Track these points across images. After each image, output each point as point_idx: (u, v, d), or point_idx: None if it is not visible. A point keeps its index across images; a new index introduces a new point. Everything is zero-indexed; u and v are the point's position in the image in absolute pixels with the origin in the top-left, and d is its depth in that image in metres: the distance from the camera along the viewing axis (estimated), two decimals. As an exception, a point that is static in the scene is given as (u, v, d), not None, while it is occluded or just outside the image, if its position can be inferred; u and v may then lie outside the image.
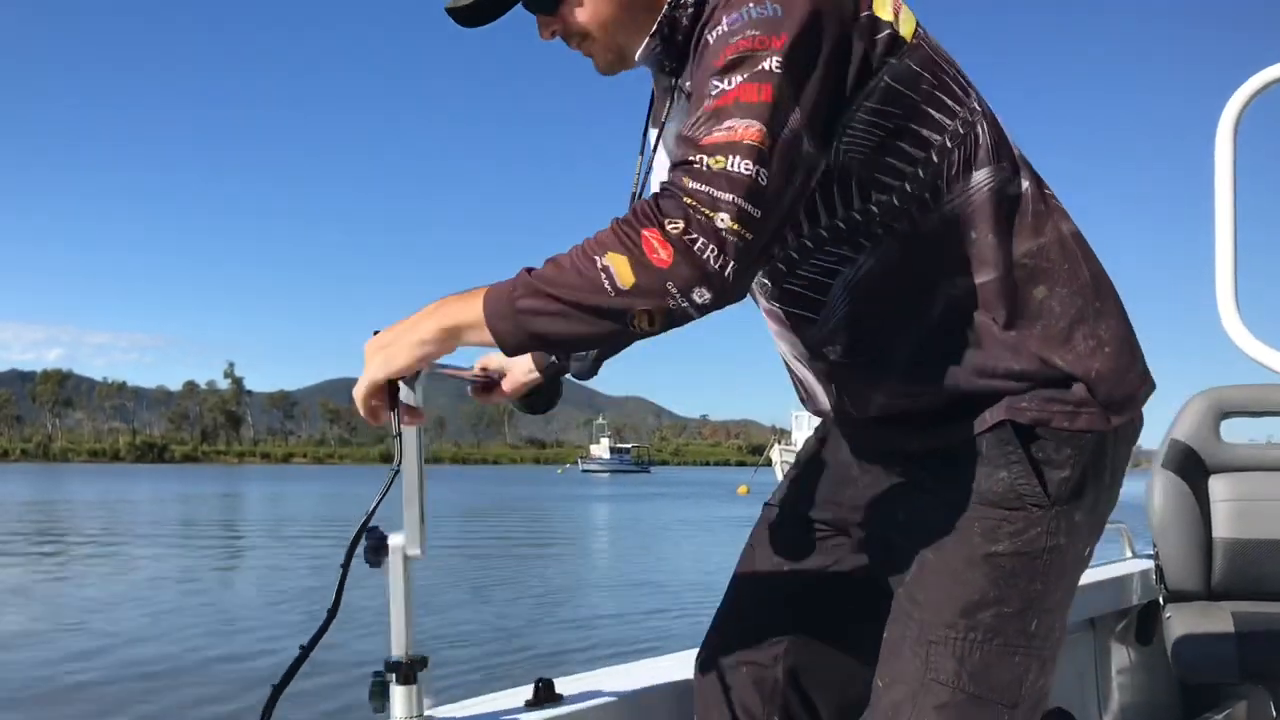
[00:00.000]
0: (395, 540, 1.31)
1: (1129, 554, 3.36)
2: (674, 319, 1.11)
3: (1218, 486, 3.11)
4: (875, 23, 1.18)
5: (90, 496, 40.85)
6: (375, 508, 1.23)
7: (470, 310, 1.16)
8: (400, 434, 1.25)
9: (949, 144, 1.21)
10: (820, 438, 1.53)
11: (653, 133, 1.40)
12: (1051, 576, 1.24)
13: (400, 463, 1.26)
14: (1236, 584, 3.04)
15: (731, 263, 1.07)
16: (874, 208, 1.21)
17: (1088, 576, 3.03)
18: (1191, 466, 3.11)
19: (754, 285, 1.32)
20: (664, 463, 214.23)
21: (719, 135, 1.09)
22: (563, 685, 1.68)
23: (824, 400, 1.38)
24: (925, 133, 1.20)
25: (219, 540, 20.99)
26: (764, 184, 1.08)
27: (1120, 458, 1.29)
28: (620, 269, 1.08)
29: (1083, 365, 1.23)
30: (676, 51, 1.28)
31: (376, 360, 1.20)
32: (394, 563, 1.31)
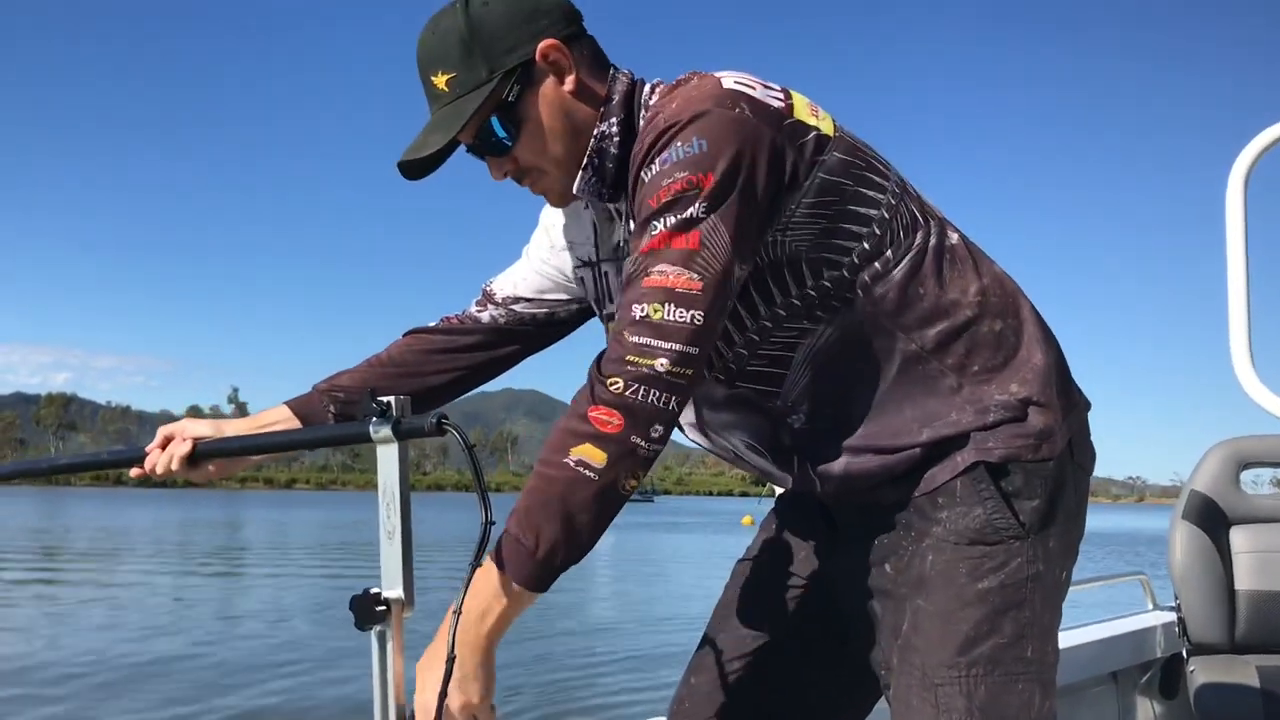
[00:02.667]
0: (391, 594, 1.24)
1: (1150, 606, 3.31)
2: (650, 463, 1.20)
3: (1239, 538, 3.07)
4: (799, 129, 1.25)
5: (93, 522, 40.71)
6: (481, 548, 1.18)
7: (496, 595, 1.21)
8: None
9: (885, 214, 1.29)
10: (795, 495, 1.54)
11: (603, 255, 1.44)
12: (1038, 602, 1.29)
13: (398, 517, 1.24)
14: (1261, 637, 3.00)
15: (674, 398, 1.19)
16: (826, 283, 1.28)
17: (1110, 629, 3.03)
18: (1212, 517, 3.08)
19: (708, 381, 1.36)
20: (667, 492, 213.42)
21: (655, 279, 1.19)
22: None
23: (786, 480, 1.42)
24: (863, 210, 1.28)
25: (220, 566, 20.89)
26: (699, 324, 1.19)
27: (1081, 482, 1.37)
28: (589, 454, 1.17)
29: (1039, 387, 1.30)
30: (611, 179, 1.34)
31: (460, 699, 1.23)
32: (395, 619, 1.24)
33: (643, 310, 1.19)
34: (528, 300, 1.58)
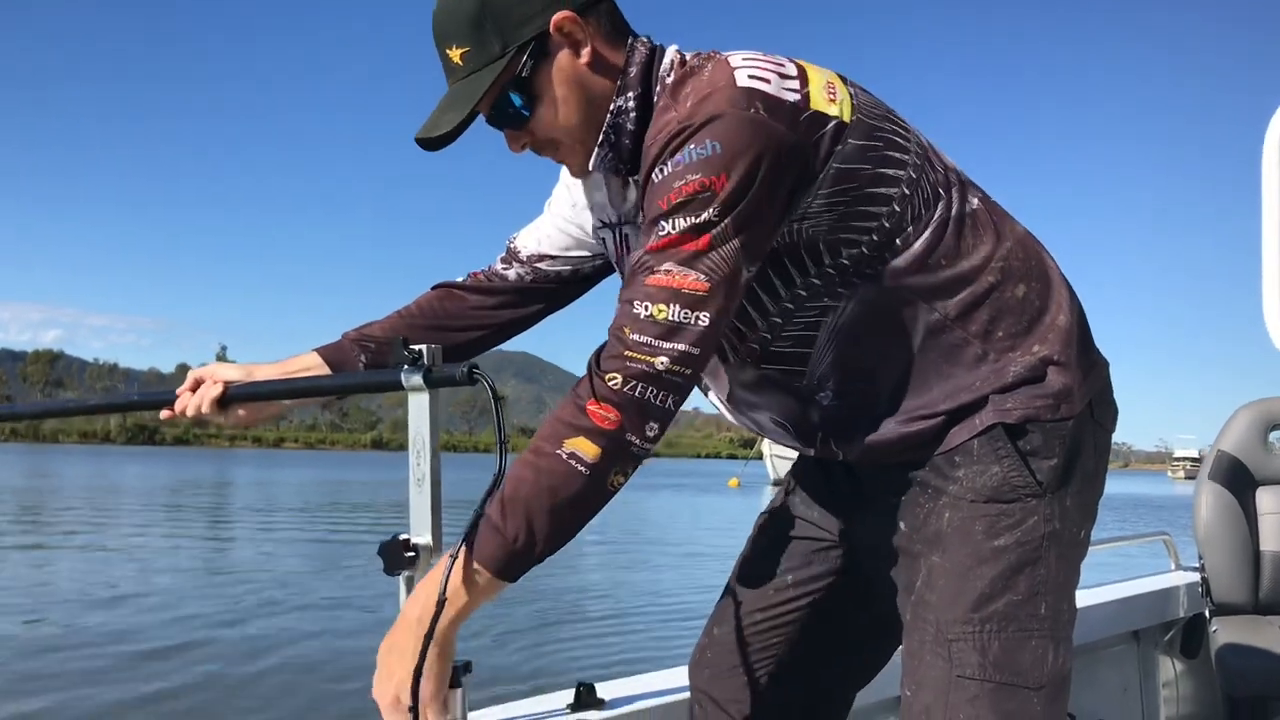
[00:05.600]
0: (420, 540, 1.25)
1: (1174, 566, 3.30)
2: (639, 461, 1.20)
3: (1265, 499, 3.05)
4: (816, 121, 1.22)
5: (80, 480, 40.73)
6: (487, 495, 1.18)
7: (463, 581, 1.17)
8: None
9: (906, 191, 1.26)
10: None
11: (622, 217, 1.43)
12: (1053, 560, 1.29)
13: (427, 466, 1.25)
14: None
15: (672, 396, 1.18)
16: (845, 261, 1.26)
17: (1132, 588, 3.01)
18: (1239, 478, 3.06)
19: (735, 364, 1.37)
20: (656, 454, 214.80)
21: (660, 278, 1.17)
22: (604, 690, 1.67)
23: (809, 451, 1.43)
24: (881, 190, 1.25)
25: (210, 523, 20.91)
26: (703, 325, 1.18)
27: (1101, 442, 1.36)
28: (583, 448, 1.16)
29: (1060, 347, 1.29)
30: (627, 155, 1.32)
31: (427, 665, 1.17)
32: (423, 565, 1.25)
33: (647, 310, 1.17)
34: (552, 258, 1.59)
